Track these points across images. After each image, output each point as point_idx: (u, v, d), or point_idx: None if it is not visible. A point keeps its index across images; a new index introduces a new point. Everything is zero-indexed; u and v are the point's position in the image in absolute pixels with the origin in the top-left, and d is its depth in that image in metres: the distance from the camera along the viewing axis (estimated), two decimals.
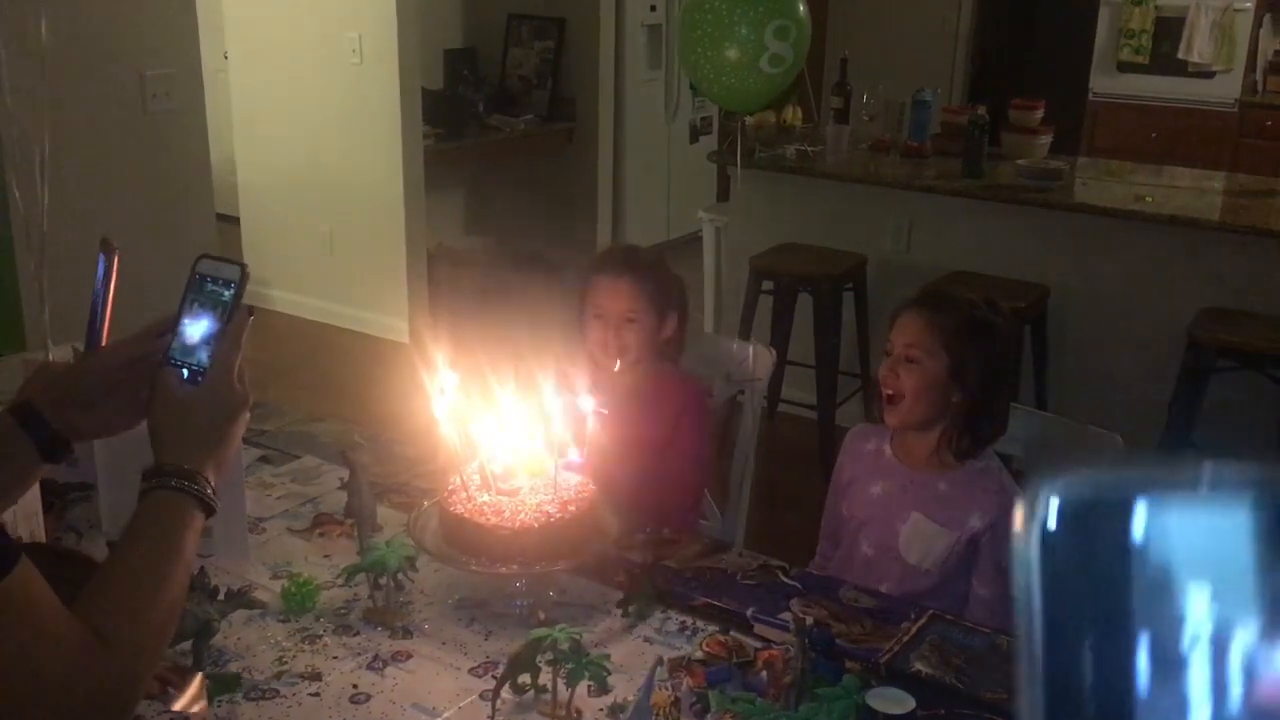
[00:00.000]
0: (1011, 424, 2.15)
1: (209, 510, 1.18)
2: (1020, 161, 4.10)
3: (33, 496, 1.75)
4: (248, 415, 1.25)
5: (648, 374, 2.25)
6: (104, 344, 1.63)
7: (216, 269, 1.24)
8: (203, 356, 1.21)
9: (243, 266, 1.25)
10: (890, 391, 2.01)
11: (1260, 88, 6.21)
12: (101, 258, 1.69)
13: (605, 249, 2.44)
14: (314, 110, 5.28)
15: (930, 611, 1.77)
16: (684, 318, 2.30)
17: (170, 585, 1.13)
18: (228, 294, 1.23)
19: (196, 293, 1.24)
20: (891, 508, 2.05)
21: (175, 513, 1.15)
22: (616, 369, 2.22)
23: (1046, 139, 4.37)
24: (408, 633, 1.69)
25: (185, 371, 1.21)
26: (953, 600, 1.98)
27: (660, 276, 2.26)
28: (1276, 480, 0.33)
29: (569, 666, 1.48)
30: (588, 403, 1.76)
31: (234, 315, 1.23)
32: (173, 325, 1.23)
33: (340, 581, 1.78)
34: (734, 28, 3.27)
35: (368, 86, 5.09)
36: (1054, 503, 0.35)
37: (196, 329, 1.22)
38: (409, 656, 1.64)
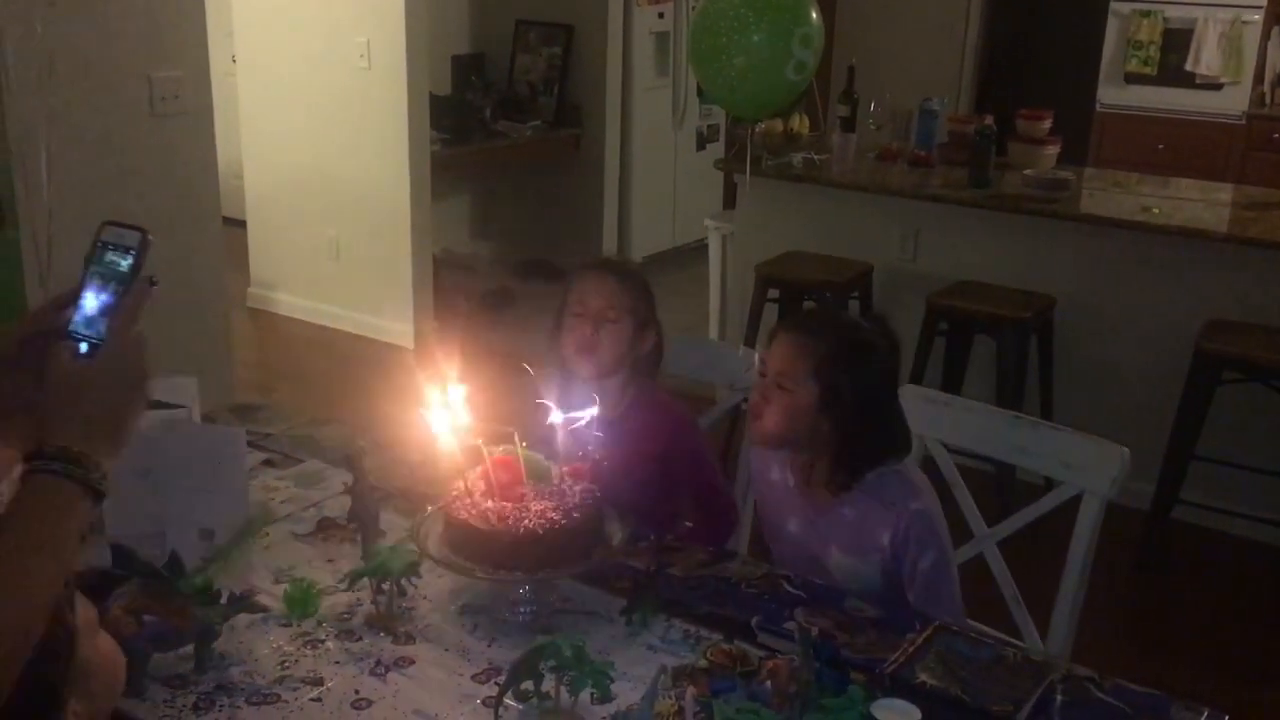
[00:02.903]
0: (1017, 435, 2.14)
1: (98, 496, 1.08)
2: (1027, 171, 4.10)
3: None
4: (147, 392, 1.16)
5: (632, 398, 2.23)
6: None
7: (118, 236, 1.17)
8: (102, 329, 1.14)
9: (143, 232, 1.17)
10: (756, 415, 1.96)
11: (1268, 100, 6.20)
12: None
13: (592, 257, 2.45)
14: (321, 114, 5.29)
15: (936, 623, 1.76)
16: (660, 340, 2.28)
17: (36, 579, 1.02)
18: (126, 262, 1.16)
19: (98, 262, 1.16)
20: (811, 546, 1.99)
21: (53, 500, 1.05)
22: (587, 374, 2.18)
23: (1054, 149, 4.36)
24: (410, 638, 1.68)
25: (85, 346, 1.14)
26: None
27: (644, 288, 2.25)
28: None
29: (572, 674, 1.48)
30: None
31: (133, 285, 1.15)
32: (74, 295, 1.15)
33: (343, 586, 1.78)
34: (761, 35, 3.28)
35: (375, 91, 5.10)
36: None
37: (97, 300, 1.15)
38: (411, 662, 1.63)
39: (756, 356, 2.05)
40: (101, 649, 1.18)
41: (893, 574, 1.94)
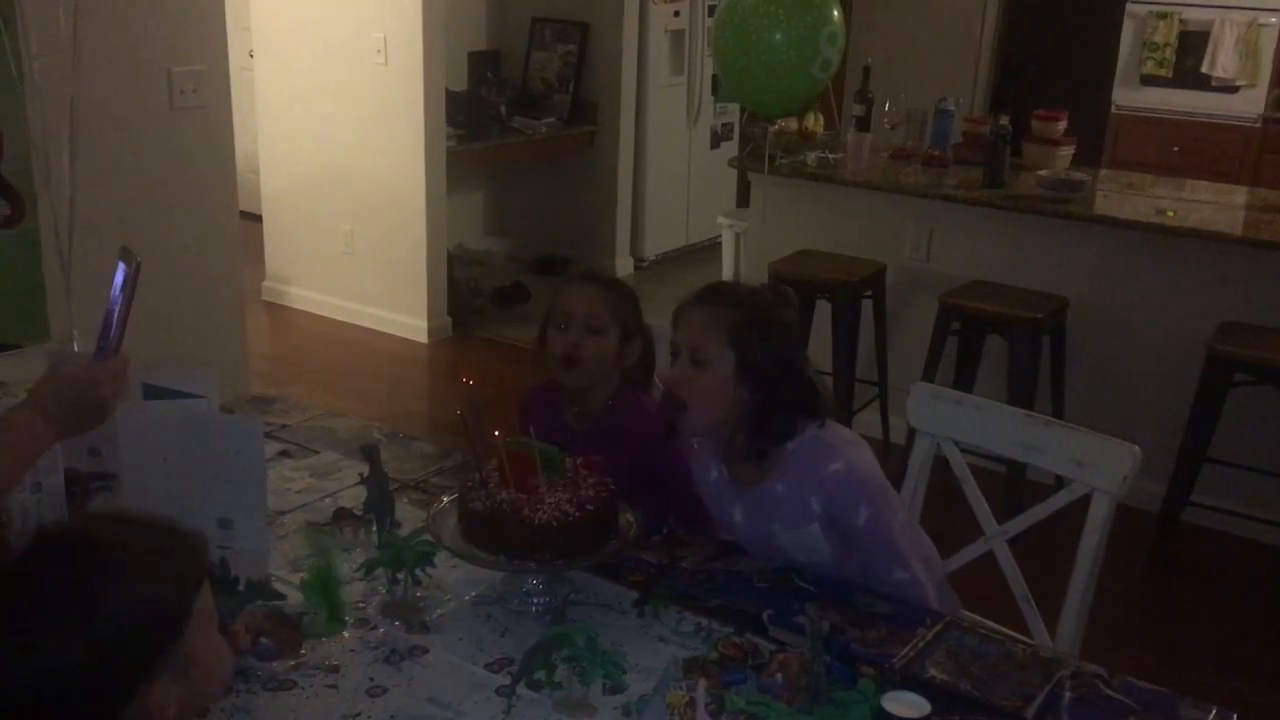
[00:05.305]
0: (1028, 434, 2.14)
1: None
2: (1042, 172, 4.10)
3: (57, 486, 1.77)
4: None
5: (615, 407, 2.19)
6: (117, 354, 1.61)
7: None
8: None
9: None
10: (680, 404, 1.93)
11: None
12: (121, 266, 1.62)
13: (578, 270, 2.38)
14: (338, 110, 5.31)
15: (946, 618, 1.77)
16: (650, 356, 2.24)
17: None
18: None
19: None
20: (757, 529, 1.99)
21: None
22: (572, 384, 2.15)
23: (1068, 150, 4.36)
24: (425, 628, 1.70)
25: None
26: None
27: (630, 299, 2.23)
28: None
29: (584, 664, 1.49)
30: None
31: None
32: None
33: (359, 575, 1.80)
34: (792, 33, 3.31)
35: (392, 87, 5.12)
36: None
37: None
38: (426, 651, 1.65)
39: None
40: (211, 644, 1.21)
41: (838, 538, 1.93)
